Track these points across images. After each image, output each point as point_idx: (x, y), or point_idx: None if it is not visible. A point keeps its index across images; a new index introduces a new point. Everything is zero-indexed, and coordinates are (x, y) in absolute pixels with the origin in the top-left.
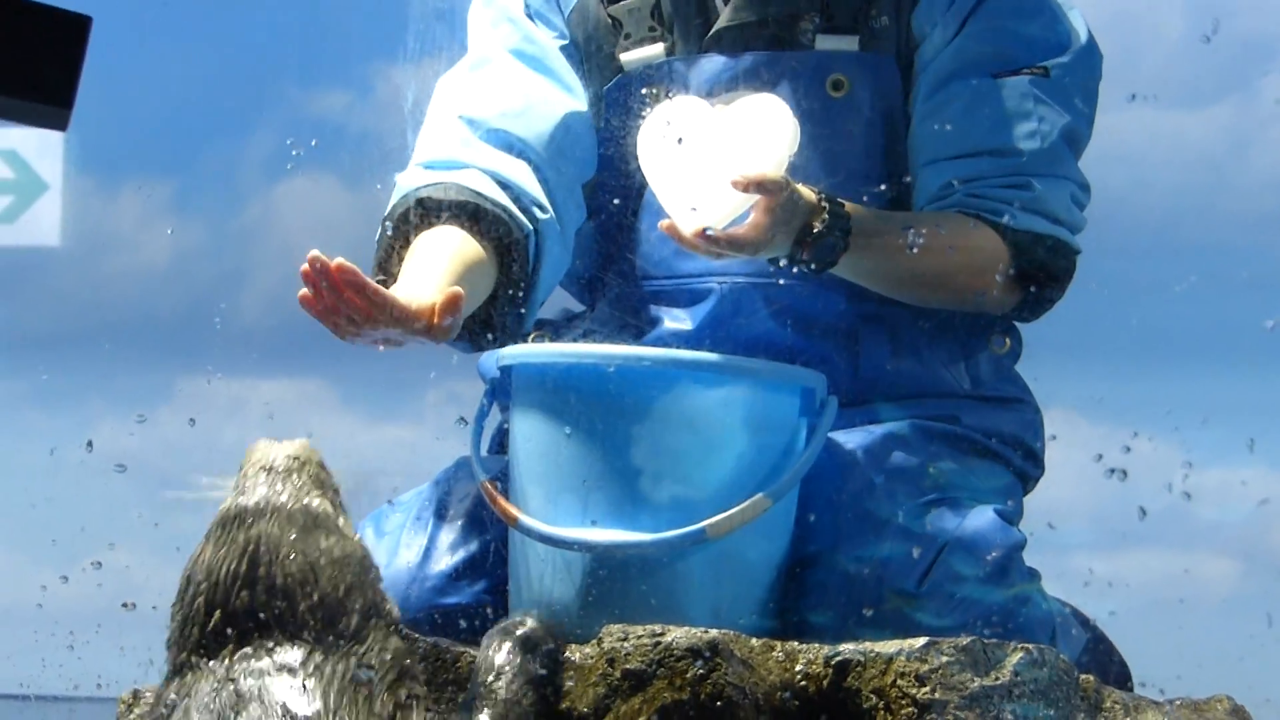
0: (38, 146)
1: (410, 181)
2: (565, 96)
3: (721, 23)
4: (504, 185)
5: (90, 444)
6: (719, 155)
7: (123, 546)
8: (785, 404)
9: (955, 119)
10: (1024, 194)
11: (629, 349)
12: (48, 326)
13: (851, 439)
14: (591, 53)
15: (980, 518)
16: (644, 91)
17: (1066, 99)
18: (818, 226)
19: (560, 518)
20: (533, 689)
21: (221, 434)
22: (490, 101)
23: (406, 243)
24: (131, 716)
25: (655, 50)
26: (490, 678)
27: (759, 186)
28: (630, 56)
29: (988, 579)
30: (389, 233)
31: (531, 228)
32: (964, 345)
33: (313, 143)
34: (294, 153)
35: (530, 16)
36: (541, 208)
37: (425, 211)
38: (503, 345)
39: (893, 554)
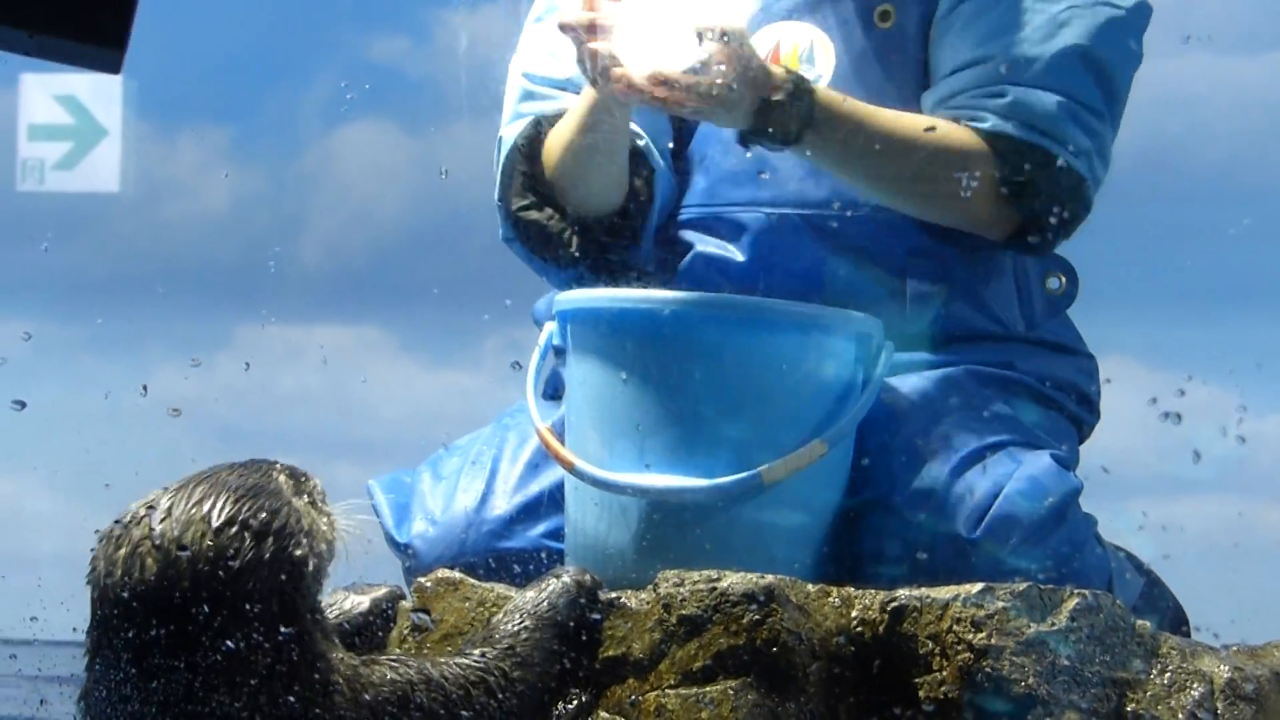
0: (96, 92)
1: (512, 131)
2: None
3: None
4: None
5: (145, 388)
6: (682, 6)
7: None
8: (841, 349)
9: (954, 37)
10: (999, 100)
11: (684, 294)
12: (106, 272)
13: (906, 384)
14: None
15: (1037, 463)
16: None
17: (1081, 22)
18: (778, 96)
19: (616, 463)
20: (558, 639)
21: (278, 379)
22: (560, 61)
23: (534, 179)
24: None
25: None
26: (517, 618)
27: (718, 34)
28: None
29: (1044, 524)
30: (518, 163)
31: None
32: (1018, 284)
33: (366, 87)
34: (348, 97)
35: None
36: (638, 134)
37: (531, 153)
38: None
39: (948, 499)
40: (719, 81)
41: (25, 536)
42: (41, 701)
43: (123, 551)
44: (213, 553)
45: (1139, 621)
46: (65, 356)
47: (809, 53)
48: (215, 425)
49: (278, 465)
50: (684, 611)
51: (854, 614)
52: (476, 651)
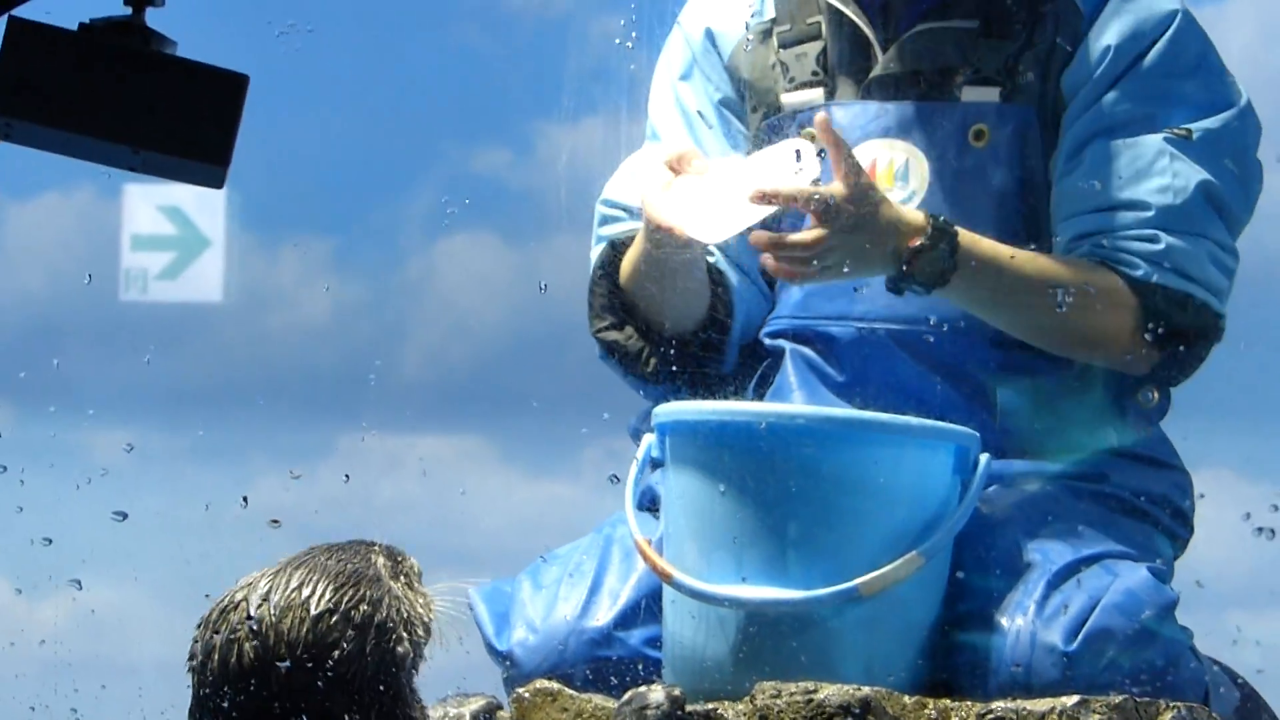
0: (200, 203)
1: (593, 255)
2: (722, 148)
3: (877, 71)
4: None
5: (245, 500)
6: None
7: None
8: (939, 462)
9: (1091, 174)
10: (1152, 246)
11: (781, 406)
12: (208, 382)
13: (1001, 497)
14: (754, 92)
15: (1133, 576)
16: (804, 132)
17: (1211, 159)
18: (920, 241)
19: (713, 575)
20: None
21: (379, 490)
22: (639, 186)
23: (617, 299)
24: None
25: (815, 94)
26: None
27: (774, 197)
28: (791, 98)
29: (1140, 637)
30: (597, 286)
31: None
32: (1111, 399)
33: (466, 201)
34: (449, 211)
35: (685, 77)
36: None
37: (616, 252)
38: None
39: (1044, 612)
40: (818, 238)
41: (126, 646)
42: None
43: (219, 637)
44: (312, 641)
45: None
46: (168, 467)
47: (903, 170)
48: (316, 536)
49: (376, 546)
50: None
51: None
52: None
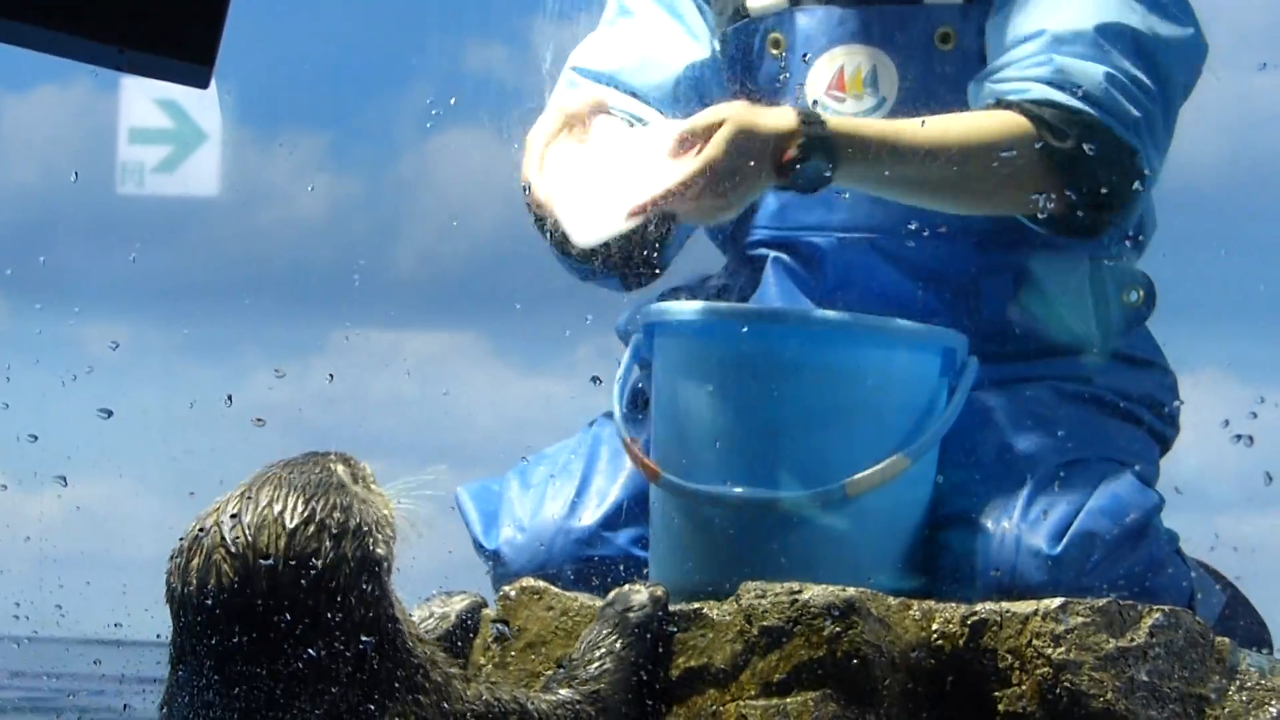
0: (196, 96)
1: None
2: (688, 43)
3: None
4: (632, 119)
5: (230, 398)
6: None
7: None
8: (926, 364)
9: (1000, 22)
10: (1041, 69)
11: (768, 307)
12: (198, 278)
13: (987, 400)
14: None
15: (1117, 480)
16: (769, 37)
17: (1128, 3)
18: (792, 153)
19: (700, 475)
20: (626, 670)
21: (370, 386)
22: (609, 57)
23: None
24: None
25: None
26: (599, 657)
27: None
28: (755, 2)
29: (1124, 540)
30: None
31: None
32: (1094, 299)
33: (451, 101)
34: (433, 112)
35: None
36: None
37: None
38: (645, 280)
39: (1029, 516)
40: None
41: (111, 541)
42: (125, 706)
43: (195, 562)
44: (291, 555)
45: (1218, 638)
46: (156, 363)
47: (871, 76)
48: (305, 432)
49: (331, 455)
50: (765, 623)
51: (934, 627)
52: (565, 691)
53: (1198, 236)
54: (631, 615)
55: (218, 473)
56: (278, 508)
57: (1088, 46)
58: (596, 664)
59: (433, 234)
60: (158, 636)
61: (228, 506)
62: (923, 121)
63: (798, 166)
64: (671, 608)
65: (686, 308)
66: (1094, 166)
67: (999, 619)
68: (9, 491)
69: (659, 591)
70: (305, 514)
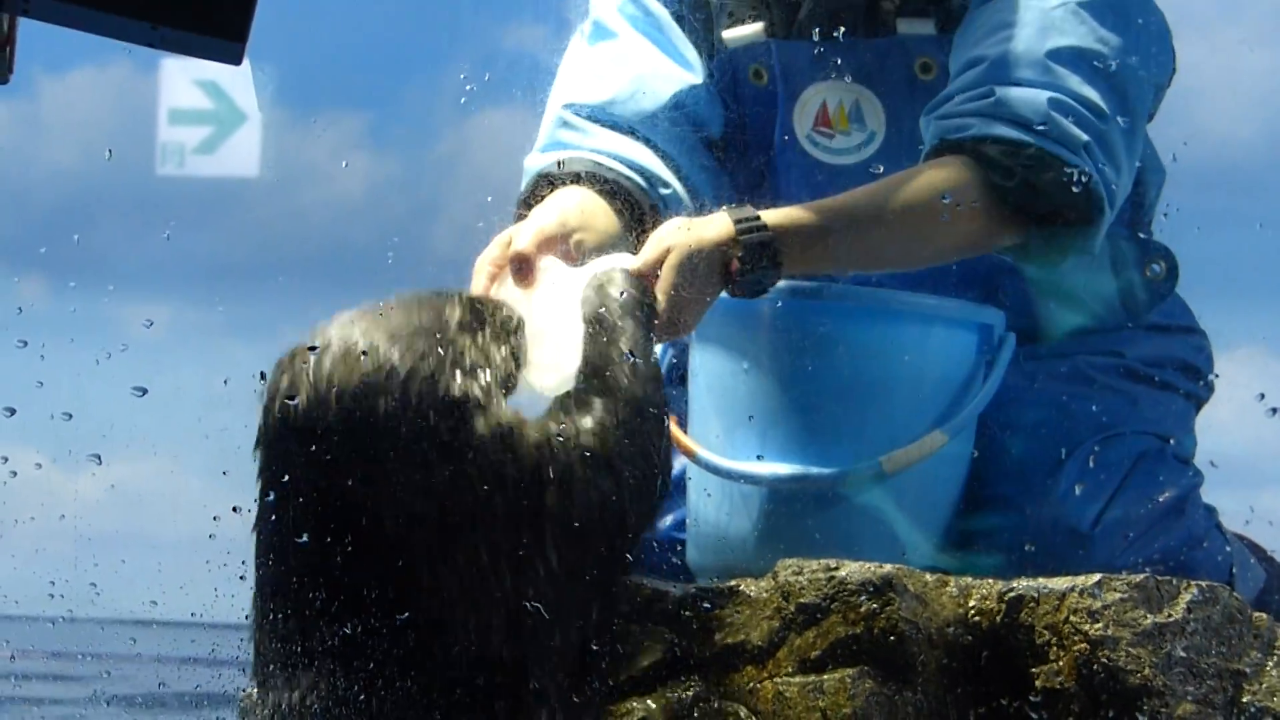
0: (236, 77)
1: (535, 163)
2: (678, 70)
3: (807, 6)
4: (626, 163)
5: (262, 375)
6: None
7: None
8: (964, 340)
9: (954, 54)
10: (982, 102)
11: (806, 284)
12: (235, 257)
13: (1023, 377)
14: (694, 27)
15: (1154, 456)
16: (749, 68)
17: (1073, 19)
18: (735, 265)
19: (737, 452)
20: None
21: None
22: (601, 87)
23: None
24: None
25: (755, 29)
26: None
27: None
28: (732, 34)
29: (1161, 517)
30: (521, 208)
31: (660, 201)
32: (1116, 275)
33: (485, 77)
34: (468, 88)
35: None
36: (664, 183)
37: (553, 186)
38: None
39: (1066, 494)
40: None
41: (145, 521)
42: (160, 684)
43: (284, 380)
44: (362, 393)
45: (1256, 614)
46: (191, 342)
47: (855, 111)
48: None
49: (457, 297)
50: (802, 600)
51: (971, 604)
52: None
53: (1234, 213)
54: (615, 301)
55: (251, 451)
56: (362, 344)
57: (1034, 71)
58: (615, 364)
59: (470, 213)
60: (192, 615)
61: (330, 331)
62: (863, 191)
63: (742, 278)
64: (708, 585)
65: None
66: (1050, 194)
67: (1036, 595)
68: (44, 470)
69: (617, 272)
70: (384, 358)
